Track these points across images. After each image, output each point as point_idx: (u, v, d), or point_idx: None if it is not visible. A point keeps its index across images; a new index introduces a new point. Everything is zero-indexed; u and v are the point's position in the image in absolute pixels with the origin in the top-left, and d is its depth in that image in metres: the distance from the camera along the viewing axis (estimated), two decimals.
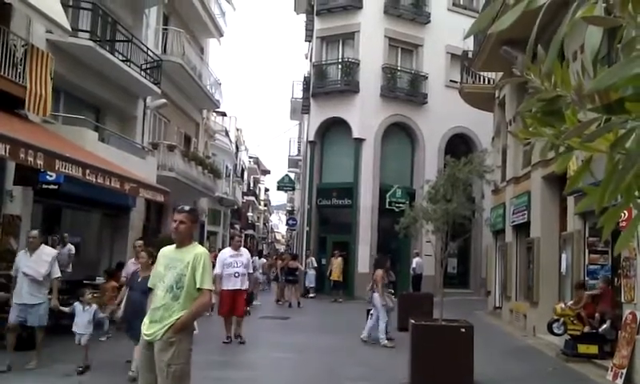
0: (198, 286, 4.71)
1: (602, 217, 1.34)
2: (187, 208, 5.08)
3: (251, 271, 12.19)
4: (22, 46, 11.62)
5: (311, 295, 23.10)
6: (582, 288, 11.51)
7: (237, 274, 11.25)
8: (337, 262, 22.61)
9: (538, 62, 1.35)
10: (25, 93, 11.31)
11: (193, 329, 4.94)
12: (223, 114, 37.69)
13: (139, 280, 7.60)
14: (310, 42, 30.48)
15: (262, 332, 13.78)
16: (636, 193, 1.27)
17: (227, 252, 11.74)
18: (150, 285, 5.00)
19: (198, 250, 4.88)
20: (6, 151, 8.32)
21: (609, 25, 1.04)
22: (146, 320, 4.81)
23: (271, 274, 25.75)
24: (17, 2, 10.08)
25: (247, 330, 13.63)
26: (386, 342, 11.80)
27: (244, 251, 11.98)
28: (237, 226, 45.87)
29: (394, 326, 12.91)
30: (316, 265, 23.76)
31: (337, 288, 22.71)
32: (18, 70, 11.39)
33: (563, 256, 13.45)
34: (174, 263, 4.78)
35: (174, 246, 4.96)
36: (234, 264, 11.30)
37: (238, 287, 11.30)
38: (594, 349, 10.79)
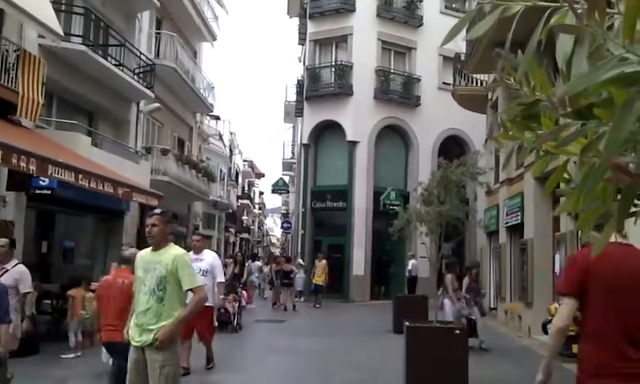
0: (187, 288, 4.79)
1: (580, 219, 1.36)
2: (158, 210, 5.16)
3: (221, 279, 9.11)
4: (14, 51, 11.60)
5: (301, 299, 22.73)
6: None
7: None
8: (320, 265, 21.67)
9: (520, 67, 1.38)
10: (17, 98, 11.30)
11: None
12: (217, 118, 37.68)
13: None
14: (303, 45, 30.54)
15: (258, 336, 13.80)
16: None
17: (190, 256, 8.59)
18: (133, 289, 5.05)
19: (175, 251, 4.93)
20: None
21: (577, 32, 1.07)
22: (131, 323, 4.86)
23: (266, 277, 25.49)
24: (8, 7, 10.07)
25: (243, 334, 13.65)
26: None
27: (207, 254, 9.02)
28: (232, 229, 45.78)
29: (388, 329, 12.90)
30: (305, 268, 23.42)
31: (317, 292, 21.61)
32: (11, 76, 11.38)
33: (557, 257, 13.51)
34: (152, 266, 4.83)
35: (151, 248, 5.00)
36: None
37: None
38: None
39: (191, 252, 8.38)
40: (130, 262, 6.02)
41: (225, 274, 16.22)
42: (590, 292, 3.19)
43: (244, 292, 15.34)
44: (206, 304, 7.26)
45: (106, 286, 6.35)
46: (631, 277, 3.22)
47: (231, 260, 19.20)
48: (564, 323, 3.36)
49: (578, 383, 3.34)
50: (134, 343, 4.75)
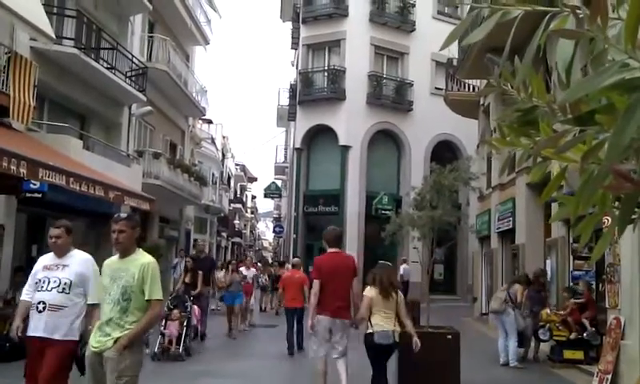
0: (146, 298, 4.55)
1: (578, 225, 1.35)
2: (124, 215, 4.88)
3: (94, 300, 5.14)
4: (6, 53, 11.53)
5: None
6: (569, 294, 11.59)
7: (42, 306, 5.10)
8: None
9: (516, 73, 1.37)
10: (8, 101, 11.22)
11: (143, 341, 4.83)
12: (209, 122, 37.64)
13: None
14: (296, 49, 30.58)
15: (250, 340, 13.72)
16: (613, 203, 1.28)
17: (43, 260, 5.43)
18: (97, 299, 4.79)
19: (144, 259, 4.67)
20: None
21: (577, 37, 1.06)
22: (93, 333, 4.62)
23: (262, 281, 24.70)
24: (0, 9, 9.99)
25: (236, 339, 13.56)
26: (517, 363, 10.88)
27: (75, 256, 5.39)
28: (224, 234, 45.37)
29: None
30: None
31: None
32: (2, 78, 11.30)
33: (548, 262, 13.54)
34: (118, 274, 4.57)
35: (118, 256, 4.74)
36: (46, 283, 5.18)
37: (46, 334, 5.06)
38: (579, 354, 10.87)
39: (50, 254, 5.46)
40: (297, 266, 13.27)
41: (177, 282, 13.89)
42: (323, 276, 7.20)
43: (195, 307, 11.74)
44: (54, 336, 5.06)
45: (287, 278, 12.50)
46: (337, 268, 7.29)
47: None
48: (315, 291, 7.23)
49: (318, 312, 7.19)
50: (93, 349, 4.52)
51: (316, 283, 7.25)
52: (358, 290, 7.55)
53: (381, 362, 7.09)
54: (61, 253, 5.34)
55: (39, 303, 5.12)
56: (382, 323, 6.87)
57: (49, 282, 5.17)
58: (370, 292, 7.04)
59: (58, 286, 5.14)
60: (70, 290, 5.15)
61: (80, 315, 5.17)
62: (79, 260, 5.35)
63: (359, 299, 7.30)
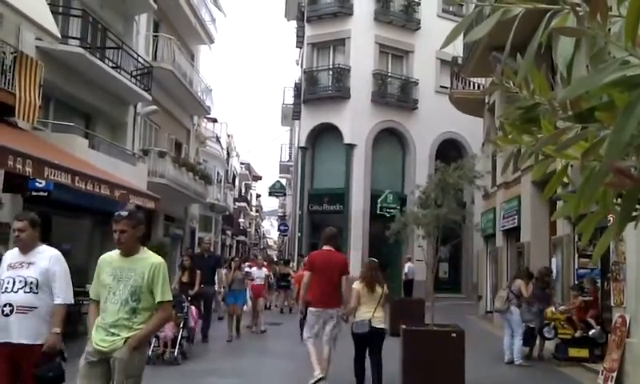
0: (158, 300, 4.44)
1: (580, 223, 1.35)
2: (124, 213, 4.68)
3: (62, 300, 4.90)
4: (12, 53, 11.57)
5: None
6: (577, 292, 11.57)
7: (9, 308, 4.73)
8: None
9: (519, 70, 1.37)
10: (14, 100, 11.26)
11: (149, 341, 4.78)
12: (214, 121, 37.64)
13: None
14: (300, 48, 30.59)
15: (253, 338, 13.74)
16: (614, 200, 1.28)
17: (8, 258, 5.09)
18: (93, 296, 4.58)
19: (153, 259, 4.54)
20: None
21: (578, 35, 1.06)
22: (95, 333, 4.42)
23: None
24: (6, 8, 10.04)
25: (240, 337, 13.58)
26: (521, 361, 10.95)
27: (43, 252, 5.05)
28: (229, 232, 45.47)
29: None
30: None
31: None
32: (7, 78, 11.35)
33: (553, 260, 13.52)
34: (125, 273, 4.42)
35: (119, 253, 4.55)
36: (11, 284, 4.80)
37: (17, 339, 4.70)
38: (584, 352, 10.85)
39: (15, 250, 5.12)
40: (305, 265, 10.89)
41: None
42: (314, 269, 8.18)
43: (193, 308, 11.11)
44: (36, 342, 4.74)
45: (298, 277, 13.47)
46: (328, 263, 8.14)
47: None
48: (306, 281, 8.32)
49: (311, 304, 8.14)
50: (99, 348, 4.34)
51: (306, 274, 8.44)
52: (348, 286, 8.24)
53: (362, 347, 8.10)
54: (26, 249, 4.96)
55: (5, 306, 4.72)
56: (363, 315, 7.93)
57: (14, 283, 4.78)
58: (357, 285, 8.12)
59: (25, 285, 4.76)
60: (37, 288, 4.78)
61: (49, 316, 4.81)
62: (46, 257, 4.97)
63: (348, 295, 8.20)
